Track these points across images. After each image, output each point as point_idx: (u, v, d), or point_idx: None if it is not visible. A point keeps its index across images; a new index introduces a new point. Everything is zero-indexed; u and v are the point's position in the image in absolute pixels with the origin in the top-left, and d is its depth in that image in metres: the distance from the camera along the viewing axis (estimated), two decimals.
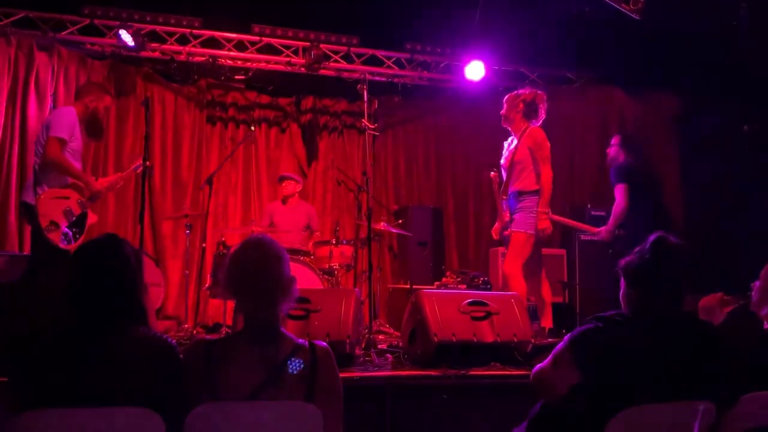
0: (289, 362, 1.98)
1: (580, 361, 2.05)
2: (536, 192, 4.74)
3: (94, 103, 4.70)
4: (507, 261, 4.77)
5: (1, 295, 3.83)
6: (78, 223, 4.50)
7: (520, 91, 5.03)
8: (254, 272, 2.04)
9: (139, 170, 4.92)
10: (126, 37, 6.27)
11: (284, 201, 6.62)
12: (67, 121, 4.53)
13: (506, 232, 4.89)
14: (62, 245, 4.34)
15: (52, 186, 4.43)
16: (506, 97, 5.04)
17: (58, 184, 4.47)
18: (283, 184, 6.63)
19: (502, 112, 5.00)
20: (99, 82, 4.98)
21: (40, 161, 4.44)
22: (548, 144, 4.81)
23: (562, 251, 6.91)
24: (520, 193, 4.78)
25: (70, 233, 4.42)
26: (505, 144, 5.07)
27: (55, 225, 4.36)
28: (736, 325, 2.62)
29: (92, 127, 4.72)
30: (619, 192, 5.22)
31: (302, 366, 1.98)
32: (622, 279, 2.24)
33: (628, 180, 5.23)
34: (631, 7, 5.48)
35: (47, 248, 4.38)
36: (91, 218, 4.64)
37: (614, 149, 5.59)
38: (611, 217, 5.25)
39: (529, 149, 4.77)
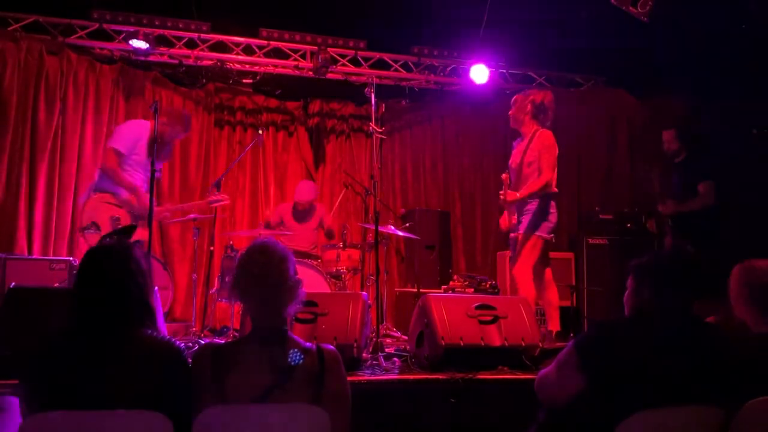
0: (290, 353, 1.98)
1: (585, 366, 2.05)
2: (545, 195, 4.70)
3: (164, 127, 4.74)
4: (517, 264, 4.73)
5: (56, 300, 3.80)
6: (123, 232, 4.50)
7: (529, 92, 5.01)
8: (260, 276, 2.05)
9: (216, 205, 5.11)
10: (138, 43, 6.31)
11: (296, 206, 6.63)
12: (127, 133, 4.63)
13: (513, 234, 4.87)
14: None
15: (107, 193, 4.53)
16: (515, 98, 5.02)
17: (113, 194, 4.54)
18: (301, 198, 6.60)
19: (511, 112, 4.99)
20: (185, 115, 5.00)
21: (99, 168, 4.58)
22: (557, 150, 4.78)
23: (570, 255, 6.89)
24: (530, 196, 4.74)
25: (109, 239, 4.43)
26: (514, 144, 5.05)
27: (95, 226, 4.41)
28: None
29: (151, 147, 4.68)
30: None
31: (302, 359, 1.98)
32: (631, 279, 2.23)
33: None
34: (639, 10, 5.47)
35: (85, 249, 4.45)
36: (140, 234, 4.62)
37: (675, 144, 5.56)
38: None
39: (539, 152, 4.74)
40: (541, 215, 4.69)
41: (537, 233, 4.67)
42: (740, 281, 2.57)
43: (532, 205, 4.71)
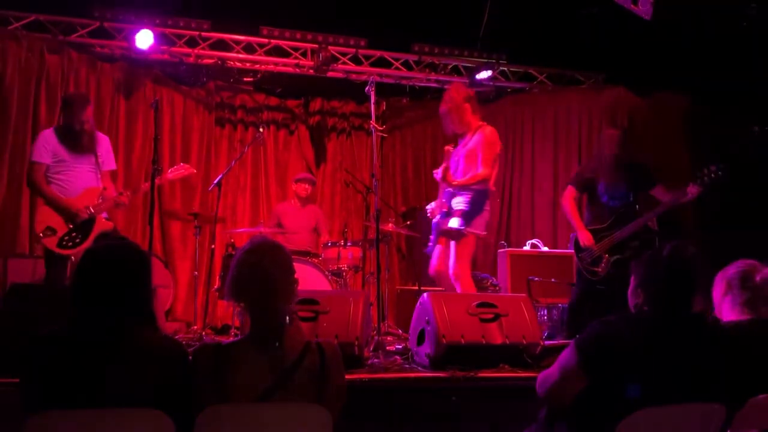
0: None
1: (587, 365, 2.05)
2: (482, 191, 4.63)
3: (64, 119, 4.74)
4: (456, 265, 4.57)
5: (29, 296, 3.82)
6: (81, 229, 4.54)
7: (459, 87, 4.94)
8: (254, 275, 2.05)
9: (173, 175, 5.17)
10: (145, 38, 6.28)
11: (302, 203, 6.64)
12: (40, 143, 4.61)
13: (445, 227, 4.68)
14: (57, 250, 4.43)
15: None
16: (445, 94, 4.91)
17: (61, 192, 4.56)
18: (301, 186, 6.63)
19: (445, 108, 4.86)
20: (70, 94, 5.05)
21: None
22: (499, 148, 4.75)
23: (571, 252, 6.87)
24: (466, 187, 4.64)
25: (68, 238, 4.47)
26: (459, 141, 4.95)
27: (51, 230, 4.45)
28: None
29: (68, 144, 4.66)
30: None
31: (303, 358, 1.99)
32: (633, 276, 2.24)
33: None
34: (641, 7, 5.46)
35: (45, 253, 4.54)
36: (103, 225, 4.65)
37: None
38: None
39: (482, 146, 4.66)
40: (477, 210, 4.61)
41: (471, 229, 4.57)
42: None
43: (467, 198, 4.62)
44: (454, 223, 4.59)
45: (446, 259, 4.67)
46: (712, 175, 4.76)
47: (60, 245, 4.45)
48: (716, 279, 2.63)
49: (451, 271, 4.61)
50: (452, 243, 4.62)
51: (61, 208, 4.52)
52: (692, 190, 4.80)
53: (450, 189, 4.72)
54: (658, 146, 7.33)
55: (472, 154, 4.70)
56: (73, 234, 4.51)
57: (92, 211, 4.59)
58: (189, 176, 5.54)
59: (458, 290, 4.53)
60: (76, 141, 4.62)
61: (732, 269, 2.59)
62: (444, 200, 4.77)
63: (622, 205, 5.02)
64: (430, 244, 4.89)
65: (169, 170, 5.26)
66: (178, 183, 7.03)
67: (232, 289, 2.10)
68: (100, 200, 4.66)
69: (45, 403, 1.82)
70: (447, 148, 4.82)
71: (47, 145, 4.59)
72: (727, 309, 2.58)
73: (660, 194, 5.04)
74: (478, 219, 4.61)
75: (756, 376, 2.12)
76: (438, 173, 4.75)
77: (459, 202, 4.65)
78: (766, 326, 2.47)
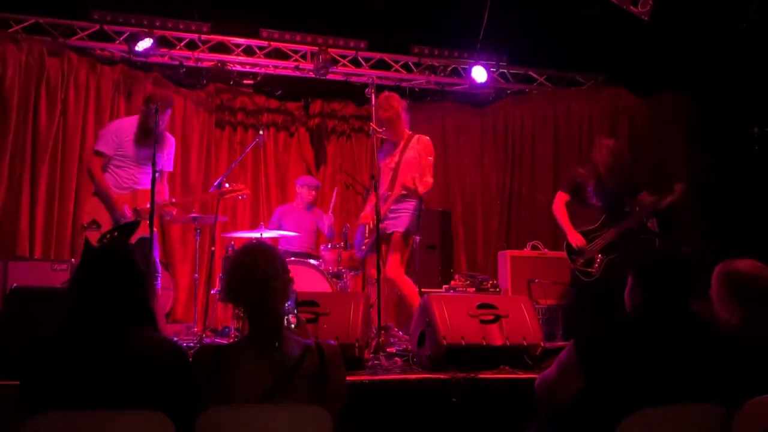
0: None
1: (586, 366, 2.05)
2: (416, 195, 4.83)
3: (143, 115, 4.69)
4: (392, 266, 4.81)
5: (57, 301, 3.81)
6: (124, 229, 4.49)
7: (394, 96, 5.04)
8: (248, 277, 2.05)
9: (231, 195, 5.09)
10: (144, 44, 6.30)
11: (309, 206, 6.64)
12: (108, 133, 4.64)
13: (383, 227, 4.77)
14: (96, 246, 4.36)
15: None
16: (385, 100, 4.97)
17: (116, 187, 4.56)
18: (307, 191, 6.62)
19: (386, 114, 4.92)
20: (161, 94, 4.97)
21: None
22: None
23: None
24: (404, 196, 4.85)
25: (109, 236, 4.43)
26: (384, 148, 5.11)
27: (96, 224, 4.42)
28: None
29: (140, 139, 4.66)
30: None
31: (302, 358, 1.99)
32: (631, 277, 2.24)
33: None
34: (640, 9, 5.46)
35: (85, 245, 4.47)
36: (146, 230, 4.60)
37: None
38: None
39: (423, 155, 4.88)
40: (417, 216, 4.87)
41: (411, 234, 4.87)
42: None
43: (410, 205, 4.85)
44: (396, 227, 4.83)
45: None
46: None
47: (100, 241, 4.40)
48: (716, 277, 2.62)
49: (390, 273, 4.83)
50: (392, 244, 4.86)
51: (109, 204, 4.50)
52: (678, 188, 4.92)
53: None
54: (658, 147, 7.34)
55: (409, 161, 4.91)
56: (115, 233, 4.46)
57: (141, 214, 4.56)
58: (243, 194, 5.39)
59: (401, 288, 4.84)
60: (147, 140, 4.55)
61: (731, 267, 2.59)
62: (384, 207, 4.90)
63: (610, 205, 5.06)
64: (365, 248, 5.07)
65: (224, 189, 5.16)
66: (178, 185, 7.03)
67: (228, 293, 2.11)
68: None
69: (45, 405, 1.82)
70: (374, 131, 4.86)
71: (115, 137, 4.58)
72: (725, 308, 2.58)
73: (644, 197, 5.14)
74: (417, 225, 4.94)
75: (754, 376, 2.12)
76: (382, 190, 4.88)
77: (402, 209, 4.87)
78: (764, 326, 2.46)
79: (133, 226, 4.52)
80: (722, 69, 6.27)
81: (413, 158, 4.90)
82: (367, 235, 5.04)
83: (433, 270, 6.90)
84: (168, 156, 4.83)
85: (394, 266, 4.80)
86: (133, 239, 4.50)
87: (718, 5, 5.81)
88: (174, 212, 4.86)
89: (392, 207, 4.87)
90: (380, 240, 4.66)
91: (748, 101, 6.42)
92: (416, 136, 5.00)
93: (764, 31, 5.82)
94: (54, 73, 6.31)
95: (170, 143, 4.88)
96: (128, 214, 4.52)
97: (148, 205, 4.35)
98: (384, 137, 5.04)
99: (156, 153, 4.27)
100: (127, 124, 4.74)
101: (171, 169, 5.03)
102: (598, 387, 2.03)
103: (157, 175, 4.57)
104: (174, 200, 4.88)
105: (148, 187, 4.29)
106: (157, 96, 4.79)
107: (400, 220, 4.84)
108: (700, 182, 4.88)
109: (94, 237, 4.42)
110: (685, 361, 2.02)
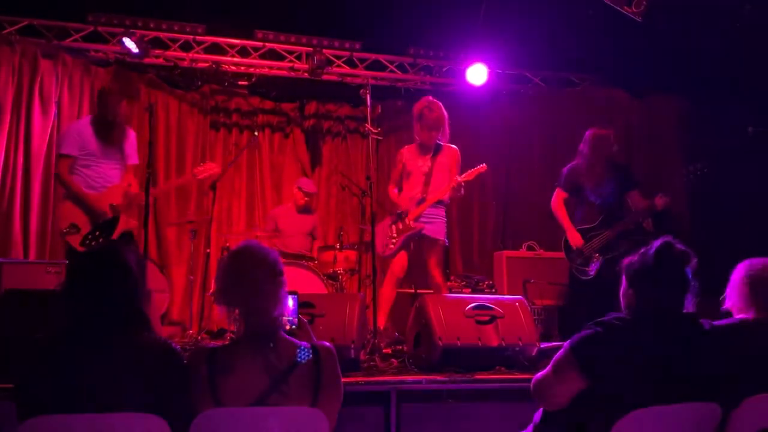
0: (298, 351, 1.98)
1: (581, 367, 2.05)
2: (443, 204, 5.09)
3: (100, 109, 4.70)
4: (441, 273, 5.08)
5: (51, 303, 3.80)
6: (105, 228, 4.47)
7: (438, 101, 5.23)
8: (240, 278, 2.05)
9: (202, 176, 5.02)
10: (130, 44, 6.29)
11: (300, 210, 6.61)
12: (68, 134, 4.59)
13: (413, 234, 4.97)
14: (81, 249, 4.34)
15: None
16: (431, 103, 5.18)
17: (87, 187, 4.50)
18: (300, 195, 6.60)
19: (434, 115, 5.12)
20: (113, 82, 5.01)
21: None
22: None
23: None
24: (440, 202, 5.05)
25: (92, 237, 4.41)
26: (406, 150, 5.27)
27: (75, 228, 4.38)
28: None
29: (101, 136, 4.64)
30: None
31: (309, 357, 1.99)
32: (624, 278, 2.24)
33: None
34: (634, 9, 5.47)
35: (65, 251, 4.45)
36: (127, 224, 4.59)
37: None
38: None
39: (455, 164, 5.13)
40: (447, 223, 5.15)
41: (445, 239, 5.11)
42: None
43: (443, 212, 5.11)
44: (438, 235, 5.04)
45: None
46: (698, 173, 4.83)
47: (83, 244, 4.37)
48: (739, 271, 2.62)
49: (440, 279, 5.08)
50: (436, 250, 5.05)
51: (86, 205, 4.45)
52: (659, 202, 4.92)
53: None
54: (653, 148, 7.35)
55: (443, 168, 5.12)
56: (97, 233, 4.42)
57: (117, 209, 4.54)
58: (215, 175, 5.32)
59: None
60: (108, 133, 4.57)
61: (742, 267, 2.60)
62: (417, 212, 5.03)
63: (610, 204, 5.07)
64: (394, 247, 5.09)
65: (196, 170, 5.13)
66: (173, 187, 7.01)
67: (221, 295, 2.10)
68: (125, 198, 4.59)
69: (39, 409, 1.80)
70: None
71: (77, 137, 4.53)
72: (735, 306, 2.59)
73: (635, 198, 5.14)
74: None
75: (752, 376, 2.13)
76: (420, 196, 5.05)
77: (438, 216, 5.08)
78: (762, 326, 2.47)
79: (113, 222, 4.51)
80: (717, 70, 6.29)
81: (446, 166, 5.10)
82: (395, 234, 5.04)
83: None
84: (131, 149, 4.78)
85: (442, 273, 5.08)
86: (115, 235, 4.49)
87: (713, 5, 5.82)
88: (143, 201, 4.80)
89: (427, 211, 5.01)
90: (411, 239, 4.94)
91: (742, 102, 6.43)
92: (445, 144, 5.20)
93: (758, 32, 5.83)
94: (48, 75, 6.28)
95: (131, 135, 4.85)
96: (107, 211, 4.50)
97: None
98: (428, 141, 5.13)
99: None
100: (85, 122, 4.71)
101: (137, 162, 4.96)
102: (594, 387, 2.03)
103: (123, 169, 4.60)
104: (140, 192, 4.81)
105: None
106: (113, 87, 4.81)
107: (437, 226, 5.04)
108: (694, 182, 4.88)
109: (75, 241, 4.38)
110: (680, 361, 2.02)
